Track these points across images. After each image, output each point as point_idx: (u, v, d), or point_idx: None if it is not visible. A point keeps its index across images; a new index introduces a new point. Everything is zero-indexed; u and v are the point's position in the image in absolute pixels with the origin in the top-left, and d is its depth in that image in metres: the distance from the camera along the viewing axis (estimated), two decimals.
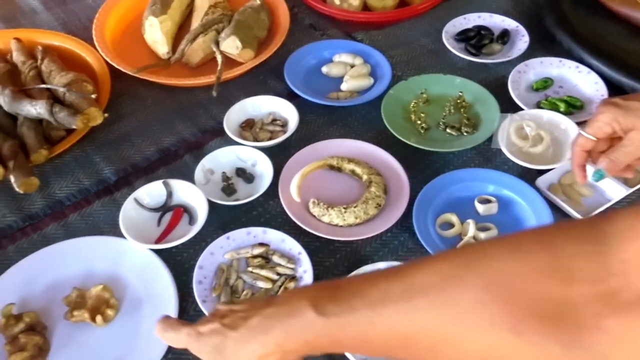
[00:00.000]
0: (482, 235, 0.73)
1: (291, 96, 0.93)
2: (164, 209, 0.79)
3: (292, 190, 0.78)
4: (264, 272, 0.71)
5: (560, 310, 0.28)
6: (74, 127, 0.81)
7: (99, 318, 0.65)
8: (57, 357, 0.65)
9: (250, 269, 0.72)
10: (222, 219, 0.78)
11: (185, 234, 0.74)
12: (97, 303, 0.67)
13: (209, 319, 0.46)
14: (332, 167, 0.83)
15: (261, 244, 0.73)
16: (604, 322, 0.27)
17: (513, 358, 0.30)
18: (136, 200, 0.78)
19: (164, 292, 0.69)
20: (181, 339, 0.47)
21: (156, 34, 1.02)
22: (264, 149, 0.84)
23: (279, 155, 0.84)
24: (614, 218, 0.29)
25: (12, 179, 0.78)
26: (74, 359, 0.65)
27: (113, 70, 0.96)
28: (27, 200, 0.81)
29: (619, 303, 0.26)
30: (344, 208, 0.76)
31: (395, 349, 0.36)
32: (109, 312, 0.66)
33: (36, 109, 0.82)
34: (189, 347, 0.46)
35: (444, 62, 1.01)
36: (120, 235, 0.74)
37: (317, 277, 0.70)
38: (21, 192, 0.78)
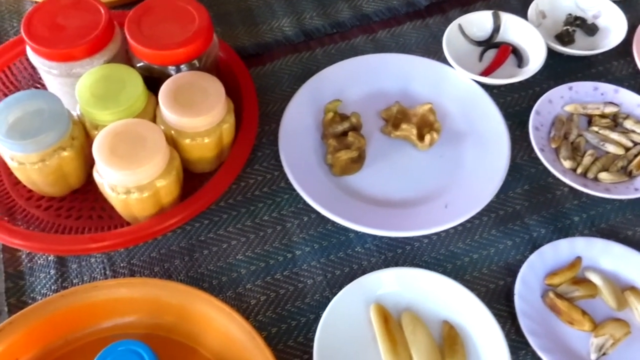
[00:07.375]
0: None
1: None
2: (487, 43, 0.68)
3: None
4: (614, 136, 0.59)
5: None
6: None
7: (427, 138, 0.58)
8: (370, 168, 0.59)
9: (595, 128, 0.60)
10: (554, 69, 0.66)
11: (512, 75, 0.63)
12: (421, 123, 0.60)
13: None
14: None
15: (612, 103, 0.61)
16: None
17: None
18: (460, 28, 0.68)
19: (492, 129, 0.60)
20: None
21: None
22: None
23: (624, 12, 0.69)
24: None
25: None
26: (388, 176, 0.59)
27: None
28: (332, 7, 0.74)
29: None
30: None
31: None
32: (434, 135, 0.59)
33: None
34: None
35: None
36: (436, 60, 0.66)
37: None
38: None
